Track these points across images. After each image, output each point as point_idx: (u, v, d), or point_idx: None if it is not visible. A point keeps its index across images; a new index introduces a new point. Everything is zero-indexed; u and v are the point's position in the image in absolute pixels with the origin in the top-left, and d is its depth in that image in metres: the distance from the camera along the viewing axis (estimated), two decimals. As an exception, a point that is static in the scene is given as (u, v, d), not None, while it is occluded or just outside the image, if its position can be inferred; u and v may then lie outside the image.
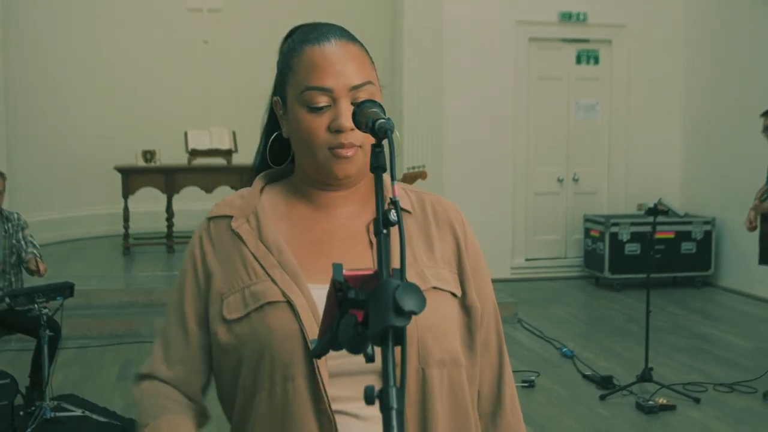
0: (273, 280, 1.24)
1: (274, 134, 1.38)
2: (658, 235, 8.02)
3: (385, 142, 1.08)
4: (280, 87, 1.34)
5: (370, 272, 1.00)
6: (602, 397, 4.94)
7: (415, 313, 0.90)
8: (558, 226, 8.83)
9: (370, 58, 1.34)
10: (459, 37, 8.25)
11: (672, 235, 8.13)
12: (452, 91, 8.25)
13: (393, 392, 0.89)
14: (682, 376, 5.35)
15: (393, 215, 1.02)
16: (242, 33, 9.26)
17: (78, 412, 4.34)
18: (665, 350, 6.00)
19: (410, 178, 5.91)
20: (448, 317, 1.30)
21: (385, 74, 9.07)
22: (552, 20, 8.56)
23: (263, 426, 1.22)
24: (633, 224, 8.05)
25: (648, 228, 5.33)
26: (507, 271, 8.57)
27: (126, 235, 8.07)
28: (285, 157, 1.40)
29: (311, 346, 1.14)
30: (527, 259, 8.74)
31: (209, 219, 1.35)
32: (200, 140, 8.38)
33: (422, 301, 0.90)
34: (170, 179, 8.07)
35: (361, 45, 1.33)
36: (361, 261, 1.21)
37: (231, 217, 1.33)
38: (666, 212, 5.30)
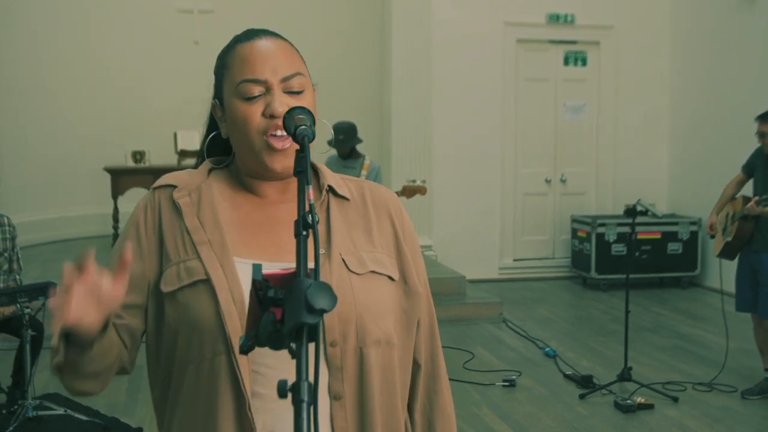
0: (199, 257, 1.29)
1: (213, 133, 1.44)
2: (644, 236, 8.09)
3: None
4: (217, 89, 1.40)
5: (290, 271, 1.04)
6: (582, 396, 4.99)
7: (326, 311, 0.94)
8: (546, 226, 8.89)
9: (301, 56, 1.40)
10: (447, 39, 8.29)
11: (658, 236, 8.19)
12: (441, 92, 8.29)
13: (305, 386, 0.94)
14: (663, 376, 5.40)
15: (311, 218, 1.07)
16: (233, 34, 9.22)
17: (60, 411, 4.36)
18: (648, 350, 6.05)
19: (410, 192, 5.88)
20: (384, 300, 1.35)
21: (375, 76, 9.15)
22: (540, 22, 8.61)
23: (192, 399, 1.27)
24: (619, 225, 8.11)
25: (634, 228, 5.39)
26: (495, 272, 8.62)
27: (116, 236, 8.11)
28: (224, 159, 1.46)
29: (226, 331, 1.22)
30: (515, 260, 8.78)
31: (154, 189, 1.38)
32: (190, 141, 8.41)
33: (333, 300, 0.95)
34: (159, 180, 8.10)
35: (291, 43, 1.40)
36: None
37: (175, 187, 1.37)
38: (645, 213, 5.33)
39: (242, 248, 1.32)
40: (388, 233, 1.42)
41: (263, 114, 1.32)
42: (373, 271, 1.35)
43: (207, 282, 1.27)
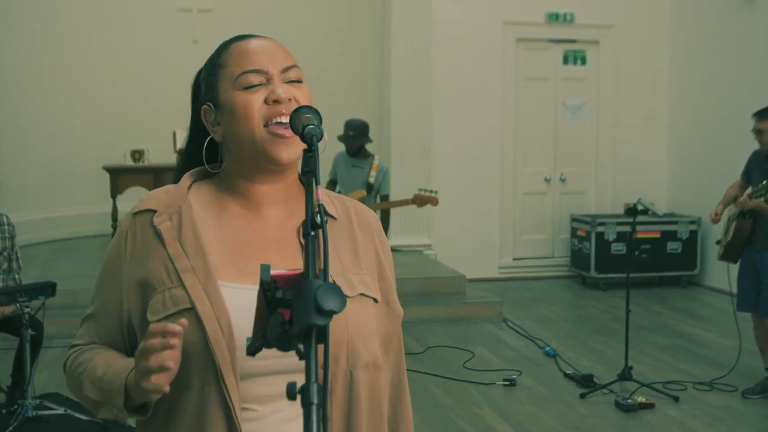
0: (183, 285, 1.26)
1: (209, 137, 1.40)
2: (644, 235, 8.09)
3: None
4: (209, 92, 1.38)
5: (299, 272, 1.04)
6: (582, 396, 4.98)
7: (335, 312, 0.94)
8: (545, 225, 8.89)
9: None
10: (447, 38, 8.29)
11: (658, 235, 8.19)
12: (440, 91, 8.28)
13: (314, 388, 0.93)
14: (664, 375, 5.40)
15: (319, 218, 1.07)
16: (232, 33, 9.05)
17: (60, 411, 4.35)
18: (648, 349, 6.05)
19: (421, 201, 5.82)
20: (372, 323, 1.34)
21: (375, 76, 9.14)
22: (539, 21, 8.61)
23: (183, 427, 1.25)
24: (619, 224, 8.11)
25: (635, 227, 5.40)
26: (495, 271, 8.62)
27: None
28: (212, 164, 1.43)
29: (215, 361, 1.21)
30: (515, 259, 8.78)
31: (134, 214, 1.34)
32: (189, 140, 8.40)
33: (342, 301, 0.95)
34: (159, 179, 8.10)
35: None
36: (291, 264, 1.22)
37: (155, 211, 1.33)
38: (645, 212, 5.33)
39: (230, 271, 1.29)
40: (372, 254, 1.41)
41: (265, 101, 1.31)
42: (362, 294, 1.34)
43: (192, 311, 1.24)
